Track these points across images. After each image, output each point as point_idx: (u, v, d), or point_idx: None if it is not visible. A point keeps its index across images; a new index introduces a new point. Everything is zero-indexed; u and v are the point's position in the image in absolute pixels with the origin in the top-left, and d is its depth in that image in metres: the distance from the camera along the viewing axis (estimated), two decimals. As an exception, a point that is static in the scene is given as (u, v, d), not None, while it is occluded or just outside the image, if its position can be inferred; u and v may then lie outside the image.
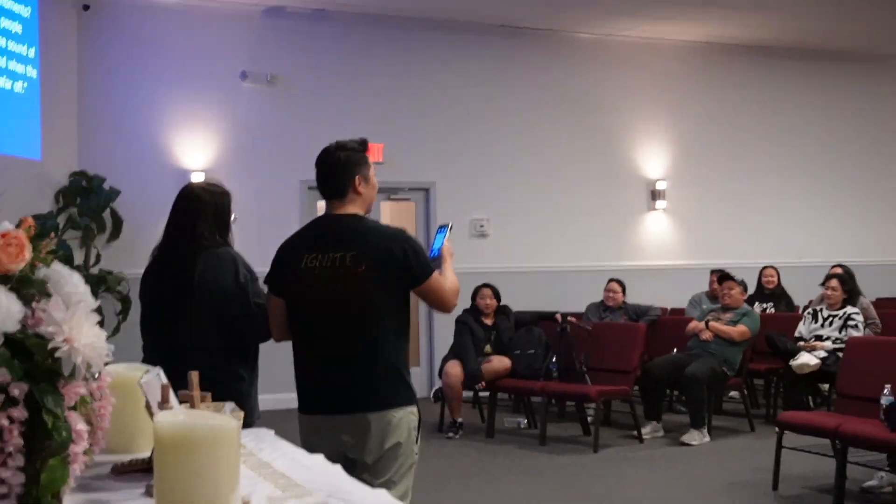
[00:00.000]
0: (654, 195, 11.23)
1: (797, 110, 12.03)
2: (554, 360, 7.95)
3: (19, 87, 7.59)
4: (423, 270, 3.17)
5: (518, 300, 9.02)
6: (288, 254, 3.26)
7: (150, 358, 3.32)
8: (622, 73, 11.16)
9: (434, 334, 9.82)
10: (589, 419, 7.83)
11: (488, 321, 8.38)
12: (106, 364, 1.71)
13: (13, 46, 7.50)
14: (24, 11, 7.74)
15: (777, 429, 6.03)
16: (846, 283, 8.05)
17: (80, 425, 1.61)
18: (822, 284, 8.24)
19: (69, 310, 1.59)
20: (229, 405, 2.22)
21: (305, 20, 9.78)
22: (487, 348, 8.24)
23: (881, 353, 6.07)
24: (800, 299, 9.89)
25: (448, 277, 3.32)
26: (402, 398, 3.17)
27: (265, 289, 3.38)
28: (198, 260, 3.38)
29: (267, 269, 3.35)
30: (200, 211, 3.45)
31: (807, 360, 7.51)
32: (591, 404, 7.64)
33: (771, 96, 11.91)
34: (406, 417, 3.15)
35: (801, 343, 7.78)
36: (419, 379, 9.57)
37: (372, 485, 2.98)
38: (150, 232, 7.39)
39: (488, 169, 10.36)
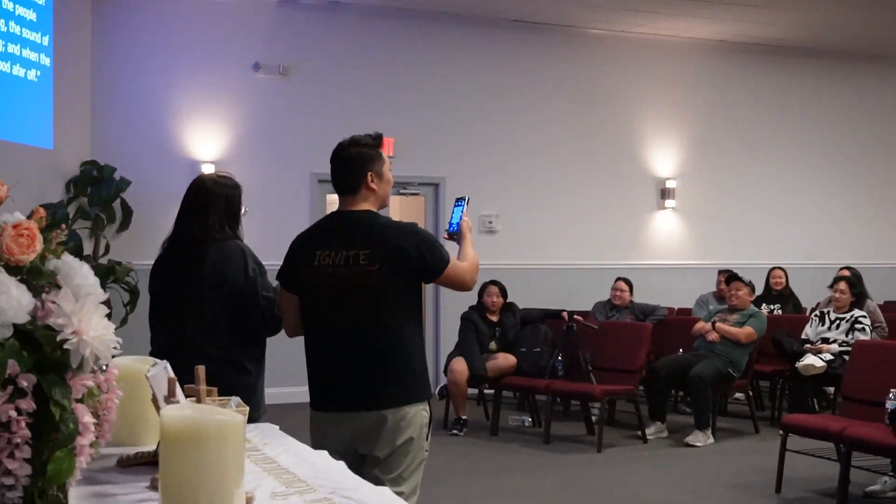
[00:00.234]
0: (664, 194, 11.21)
1: (809, 111, 11.99)
2: (560, 358, 7.95)
3: (32, 75, 7.62)
4: (438, 264, 3.18)
5: (525, 297, 9.02)
6: (300, 250, 3.25)
7: (157, 350, 3.34)
8: (634, 71, 11.14)
9: (440, 331, 9.83)
10: (593, 418, 7.83)
11: (494, 318, 8.39)
12: (113, 356, 1.72)
13: (27, 34, 7.52)
14: None
15: (781, 431, 6.03)
16: (854, 286, 8.04)
17: (87, 417, 1.62)
18: (831, 287, 8.23)
19: (78, 302, 1.60)
20: (235, 400, 2.24)
21: (319, 12, 9.78)
22: (493, 345, 8.24)
23: (888, 357, 6.05)
24: (808, 301, 9.87)
25: (467, 254, 3.36)
26: (417, 394, 3.19)
27: (275, 283, 3.39)
28: (207, 253, 3.39)
29: (276, 262, 3.36)
30: (211, 203, 3.46)
31: (812, 361, 7.51)
32: (596, 403, 7.64)
33: (783, 96, 11.87)
34: (419, 413, 3.17)
35: (808, 346, 7.77)
36: (425, 374, 9.56)
37: (382, 480, 3.01)
38: (160, 223, 7.45)
39: (498, 165, 10.35)
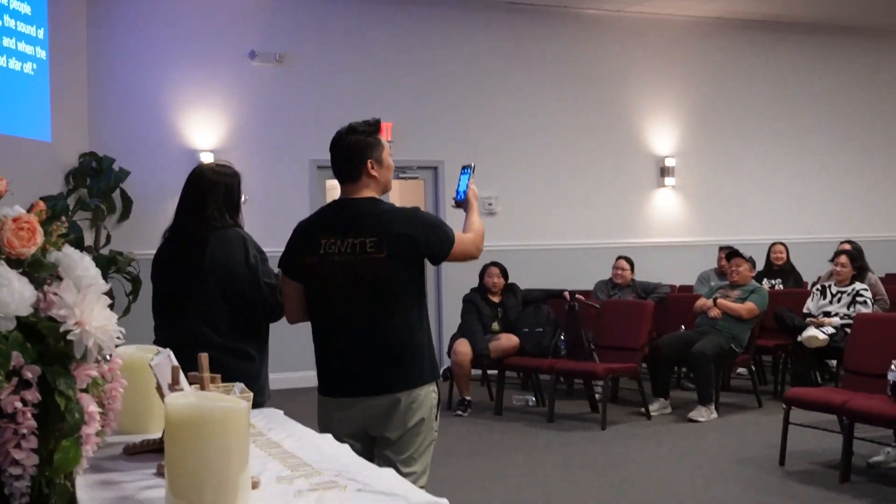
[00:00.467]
0: (664, 172, 11.20)
1: (808, 87, 11.97)
2: (562, 337, 7.98)
3: (29, 68, 7.61)
4: (444, 248, 3.20)
5: (526, 278, 9.04)
6: (304, 238, 3.25)
7: (161, 339, 3.36)
8: (632, 50, 11.12)
9: (442, 313, 9.85)
10: (597, 396, 7.86)
11: (496, 299, 8.41)
12: (117, 346, 1.74)
13: (22, 27, 7.51)
14: (33, -8, 7.75)
15: (784, 405, 6.05)
16: (855, 260, 8.05)
17: (92, 407, 1.65)
18: (832, 261, 8.24)
19: (80, 293, 1.62)
20: (238, 386, 2.26)
21: (314, -1, 9.77)
22: (495, 326, 8.27)
23: (889, 329, 6.08)
24: (809, 275, 9.88)
25: (472, 223, 3.39)
26: (428, 375, 3.22)
27: (277, 271, 3.40)
28: (208, 241, 3.41)
29: (277, 249, 3.37)
30: (210, 192, 3.47)
31: (815, 333, 7.53)
32: (599, 382, 7.67)
33: (782, 72, 11.85)
34: (430, 395, 3.21)
35: (810, 319, 7.79)
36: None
37: (394, 461, 3.05)
38: (160, 212, 7.48)
39: (497, 147, 10.34)
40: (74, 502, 1.77)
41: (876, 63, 12.37)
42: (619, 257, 9.13)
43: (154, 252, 3.62)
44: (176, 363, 2.10)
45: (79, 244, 6.73)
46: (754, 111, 11.69)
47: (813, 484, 5.52)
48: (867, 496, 5.21)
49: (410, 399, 3.15)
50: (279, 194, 9.26)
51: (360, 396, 3.16)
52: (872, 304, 7.84)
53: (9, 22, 7.32)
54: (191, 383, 2.14)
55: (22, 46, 7.51)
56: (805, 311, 7.97)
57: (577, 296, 8.26)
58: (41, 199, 1.86)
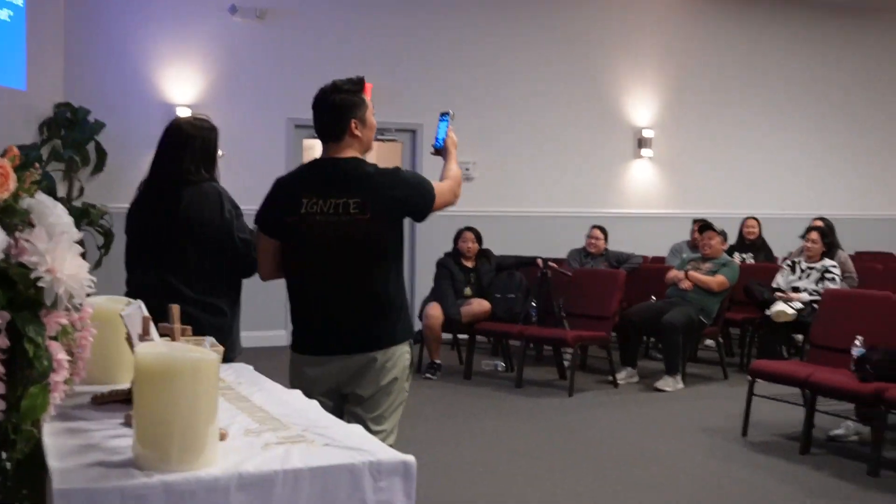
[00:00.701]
0: (641, 143, 11.23)
1: (784, 61, 12.00)
2: (533, 304, 8.03)
3: (4, 15, 7.50)
4: (426, 206, 3.23)
5: (501, 244, 9.07)
6: (284, 196, 3.23)
7: (133, 292, 3.36)
8: (611, 19, 11.09)
9: (415, 277, 9.86)
10: (565, 363, 7.92)
11: (469, 264, 8.44)
12: (88, 295, 1.75)
13: (-2, -27, 7.40)
14: (9, -63, 7.62)
15: (749, 377, 6.14)
16: (826, 236, 8.14)
17: (61, 355, 1.65)
18: (803, 236, 8.32)
19: (52, 240, 1.62)
20: (209, 340, 2.26)
21: (295, -45, 9.66)
22: (467, 291, 8.31)
23: (855, 306, 6.17)
24: (780, 251, 9.97)
25: (450, 170, 3.41)
26: (404, 335, 3.26)
27: (254, 227, 3.39)
28: (183, 194, 3.40)
29: (252, 205, 3.35)
30: (187, 145, 3.46)
31: (783, 307, 7.63)
32: (569, 349, 7.73)
33: (759, 48, 11.87)
34: (404, 355, 3.25)
35: (778, 294, 7.88)
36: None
37: (364, 419, 3.08)
38: (134, 165, 7.41)
39: (475, 112, 10.30)
40: (40, 449, 1.78)
41: (853, 40, 12.41)
42: (594, 226, 9.18)
43: (128, 206, 3.60)
44: (147, 314, 2.10)
45: (51, 195, 6.66)
46: (732, 85, 11.73)
47: (774, 454, 5.62)
48: (826, 468, 5.32)
49: (386, 357, 3.18)
50: (256, 152, 9.20)
51: (338, 354, 3.17)
52: (841, 281, 7.94)
53: (-16, -33, 7.20)
54: (161, 335, 2.15)
55: (-2, -8, 7.40)
56: (774, 285, 8.06)
57: (549, 263, 8.30)
58: (14, 146, 1.85)
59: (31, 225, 1.66)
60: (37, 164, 1.85)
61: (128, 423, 2.00)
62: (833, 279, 7.80)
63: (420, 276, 9.74)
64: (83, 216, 7.84)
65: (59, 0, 8.81)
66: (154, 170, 3.52)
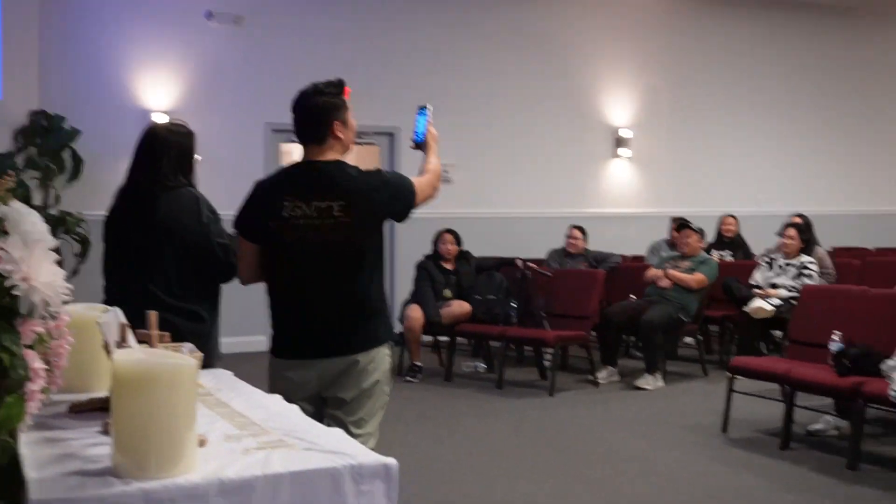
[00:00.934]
0: (619, 143, 11.28)
1: (763, 62, 12.08)
2: (514, 305, 8.04)
3: (-24, 22, 7.45)
4: (408, 206, 3.24)
5: (480, 246, 9.07)
6: (265, 200, 3.19)
7: (111, 299, 3.34)
8: (589, 20, 11.13)
9: (395, 280, 9.85)
10: (546, 364, 7.94)
11: (449, 266, 8.44)
12: (64, 303, 1.74)
13: (-31, -20, 7.34)
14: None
15: (729, 374, 6.17)
16: (803, 233, 8.20)
17: (38, 363, 1.64)
18: (780, 233, 8.37)
19: (27, 248, 1.61)
20: (188, 346, 2.25)
21: (270, -40, 9.64)
22: (447, 292, 8.31)
23: (833, 302, 6.20)
24: (758, 248, 10.02)
25: (430, 163, 3.43)
26: (384, 337, 3.26)
27: (233, 231, 3.37)
28: (161, 200, 3.39)
29: (230, 210, 3.33)
30: (164, 151, 3.45)
31: (761, 304, 7.68)
32: (549, 349, 7.74)
33: (737, 47, 11.95)
34: (385, 357, 3.25)
35: (756, 290, 7.92)
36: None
37: (344, 422, 3.07)
38: (111, 173, 7.35)
39: (453, 114, 10.27)
40: (17, 459, 1.77)
41: (830, 39, 12.50)
42: (573, 226, 9.20)
43: (105, 213, 3.59)
44: (124, 321, 2.09)
45: (27, 203, 6.62)
46: (709, 84, 11.79)
47: (754, 450, 5.65)
48: (805, 462, 5.35)
49: (368, 359, 3.17)
50: (233, 156, 9.15)
51: (319, 358, 3.16)
52: (819, 277, 7.99)
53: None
54: (139, 341, 2.13)
55: (-30, 0, 7.35)
56: (752, 282, 8.11)
57: (529, 264, 8.32)
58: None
59: (6, 233, 1.64)
60: (11, 172, 1.84)
61: (106, 432, 1.99)
62: (811, 275, 7.85)
63: (400, 279, 9.73)
64: (60, 224, 7.79)
65: (34, 7, 8.74)
66: (131, 176, 3.51)
